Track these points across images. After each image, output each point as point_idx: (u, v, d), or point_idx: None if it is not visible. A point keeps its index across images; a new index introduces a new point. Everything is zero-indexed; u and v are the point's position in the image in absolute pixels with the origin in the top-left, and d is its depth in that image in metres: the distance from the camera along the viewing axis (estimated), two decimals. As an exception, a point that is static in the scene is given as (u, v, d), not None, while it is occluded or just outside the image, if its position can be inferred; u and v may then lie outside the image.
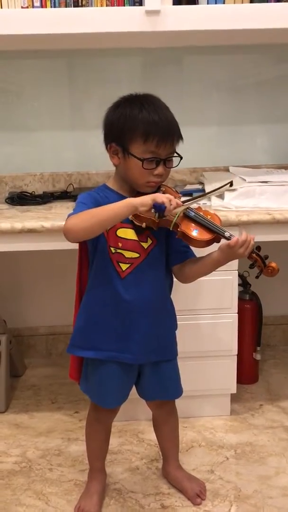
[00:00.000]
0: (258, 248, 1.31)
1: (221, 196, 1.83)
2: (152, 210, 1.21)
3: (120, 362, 1.38)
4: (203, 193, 1.34)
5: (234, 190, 1.79)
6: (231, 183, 1.33)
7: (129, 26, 1.74)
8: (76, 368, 1.48)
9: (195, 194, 1.87)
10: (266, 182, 1.81)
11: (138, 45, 2.08)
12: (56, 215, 1.78)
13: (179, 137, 1.31)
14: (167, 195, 1.21)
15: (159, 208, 1.19)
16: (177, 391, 1.48)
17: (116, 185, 1.36)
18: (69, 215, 1.25)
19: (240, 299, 1.93)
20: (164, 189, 1.34)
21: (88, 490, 1.52)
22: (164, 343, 1.43)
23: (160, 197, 1.19)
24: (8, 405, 2.01)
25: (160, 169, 1.28)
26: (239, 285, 1.94)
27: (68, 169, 2.21)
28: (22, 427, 1.89)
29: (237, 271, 1.77)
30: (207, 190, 1.90)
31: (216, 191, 1.33)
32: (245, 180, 1.83)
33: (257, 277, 1.33)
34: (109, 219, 1.21)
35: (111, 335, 1.36)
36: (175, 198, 1.26)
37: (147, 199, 1.19)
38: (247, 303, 2.05)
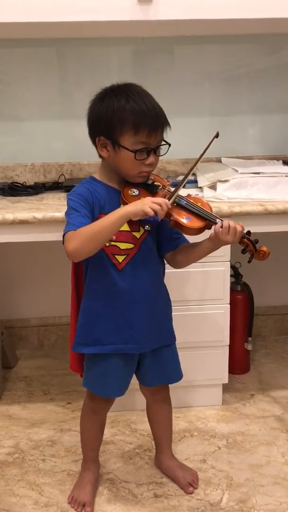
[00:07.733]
0: (249, 233, 1.32)
1: (213, 187, 1.83)
2: (146, 227, 1.29)
3: (123, 353, 1.38)
4: (189, 170, 1.32)
5: (226, 181, 1.80)
6: (217, 135, 1.32)
7: (121, 15, 1.72)
8: (76, 360, 1.47)
9: (187, 185, 1.87)
10: (258, 173, 1.81)
11: (130, 34, 2.06)
12: (48, 206, 1.77)
13: (167, 124, 1.31)
14: (157, 200, 1.21)
15: (153, 221, 1.22)
16: (178, 375, 1.50)
17: (104, 177, 1.35)
18: (66, 231, 1.23)
19: (232, 290, 1.93)
20: (153, 178, 1.34)
21: (82, 480, 1.53)
22: (163, 329, 1.44)
23: (153, 206, 1.19)
24: (0, 396, 2.01)
25: (151, 159, 1.28)
26: (231, 276, 1.95)
27: (59, 159, 2.20)
28: (14, 418, 1.89)
29: (229, 262, 1.77)
30: (199, 181, 1.90)
31: (205, 151, 1.30)
32: (237, 171, 1.83)
33: (249, 261, 1.34)
34: (108, 235, 1.23)
35: (113, 328, 1.36)
36: (164, 187, 1.26)
37: (139, 210, 1.19)
38: (239, 294, 2.06)
